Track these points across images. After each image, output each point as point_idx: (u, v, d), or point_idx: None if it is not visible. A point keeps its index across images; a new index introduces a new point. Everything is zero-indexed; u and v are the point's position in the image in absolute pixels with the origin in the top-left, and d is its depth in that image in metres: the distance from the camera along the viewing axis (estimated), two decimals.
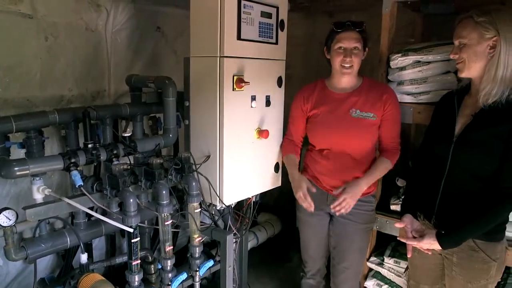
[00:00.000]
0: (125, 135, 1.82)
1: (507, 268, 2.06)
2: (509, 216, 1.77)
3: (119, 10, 2.27)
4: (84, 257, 1.68)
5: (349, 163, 1.99)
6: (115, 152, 1.76)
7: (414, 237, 1.71)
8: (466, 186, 1.61)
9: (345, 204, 1.91)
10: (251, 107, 1.98)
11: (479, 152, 1.55)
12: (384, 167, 2.00)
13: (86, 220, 1.77)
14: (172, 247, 1.78)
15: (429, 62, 2.06)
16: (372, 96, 1.95)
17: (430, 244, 1.62)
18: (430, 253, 1.69)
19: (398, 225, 1.76)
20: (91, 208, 1.65)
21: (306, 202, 1.96)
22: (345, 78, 1.98)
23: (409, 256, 1.79)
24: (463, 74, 1.62)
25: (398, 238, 1.79)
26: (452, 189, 1.65)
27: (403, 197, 2.14)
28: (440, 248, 1.61)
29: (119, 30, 2.30)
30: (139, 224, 1.61)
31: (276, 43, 2.05)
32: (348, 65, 1.91)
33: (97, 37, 2.21)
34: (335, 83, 2.03)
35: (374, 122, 1.95)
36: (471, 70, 1.58)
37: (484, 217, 1.55)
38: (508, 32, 1.47)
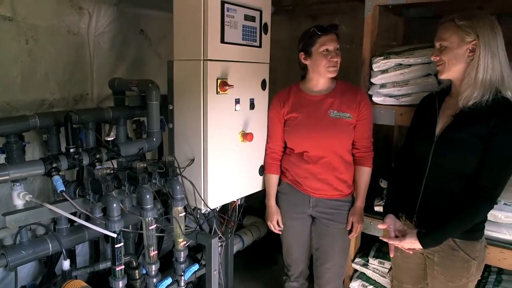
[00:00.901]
0: (108, 139, 1.80)
1: (487, 266, 2.10)
2: (488, 215, 1.82)
3: (102, 13, 2.25)
4: (66, 264, 1.65)
5: (329, 164, 2.03)
6: (98, 156, 1.74)
7: (396, 237, 1.73)
8: (447, 185, 1.64)
9: (359, 228, 2.12)
10: (235, 110, 1.97)
11: (459, 151, 1.58)
12: (367, 176, 2.09)
13: (69, 226, 1.75)
14: (156, 251, 1.77)
15: (410, 65, 2.09)
16: (347, 98, 2.02)
17: (412, 243, 1.65)
18: (411, 252, 1.71)
19: (381, 226, 1.79)
20: (74, 214, 1.63)
21: (276, 229, 2.21)
22: (326, 79, 2.04)
23: (391, 256, 1.81)
24: (443, 76, 1.65)
25: (380, 238, 1.81)
26: (433, 189, 1.68)
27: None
28: (421, 247, 1.64)
29: (101, 33, 2.28)
30: (123, 229, 1.59)
31: (260, 46, 2.05)
32: (334, 66, 1.98)
33: (80, 40, 2.19)
34: (311, 86, 2.07)
35: (350, 121, 2.01)
36: (451, 72, 1.61)
37: (463, 216, 1.58)
38: (487, 36, 1.50)
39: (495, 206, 1.86)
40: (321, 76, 2.02)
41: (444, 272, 1.69)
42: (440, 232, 1.62)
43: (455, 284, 1.68)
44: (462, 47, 1.54)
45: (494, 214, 1.90)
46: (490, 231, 1.93)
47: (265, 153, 2.21)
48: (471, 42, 1.52)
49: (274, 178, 2.20)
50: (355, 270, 2.51)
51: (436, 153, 1.65)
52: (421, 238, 1.63)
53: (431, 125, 1.69)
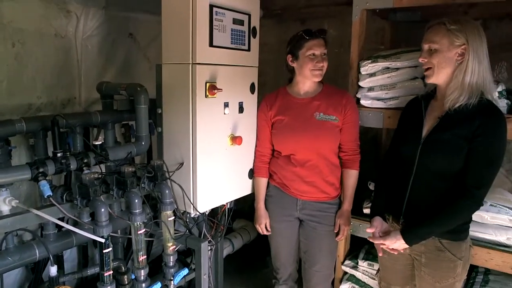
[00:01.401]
0: (96, 143, 1.78)
1: (474, 267, 2.13)
2: (474, 216, 1.85)
3: (90, 16, 2.24)
4: (53, 270, 1.63)
5: (316, 166, 2.05)
6: (85, 161, 1.73)
7: (382, 237, 1.75)
8: (433, 186, 1.67)
9: (346, 231, 2.15)
10: (224, 113, 1.97)
11: (445, 152, 1.61)
12: (354, 179, 2.12)
13: (56, 231, 1.73)
14: (145, 256, 1.76)
15: (397, 69, 2.11)
16: (333, 101, 2.04)
17: (396, 240, 1.66)
18: (396, 253, 1.73)
19: (369, 230, 1.81)
20: (61, 219, 1.61)
21: (264, 232, 2.24)
22: (312, 83, 2.06)
23: (380, 255, 1.83)
24: (431, 80, 1.68)
25: (367, 238, 1.83)
26: (419, 190, 1.71)
27: None
28: (406, 244, 1.66)
29: (90, 36, 2.27)
30: (111, 234, 1.58)
31: (249, 50, 2.06)
32: (320, 70, 1.99)
33: (67, 43, 2.18)
34: (298, 89, 2.10)
35: (337, 124, 2.03)
36: (439, 76, 1.64)
37: (448, 214, 1.61)
38: (475, 42, 1.55)
39: (481, 207, 1.91)
40: (307, 79, 2.04)
41: (432, 272, 1.71)
42: (424, 228, 1.64)
43: (442, 285, 1.70)
44: (452, 51, 1.57)
45: (480, 215, 1.93)
46: (476, 232, 1.96)
47: (255, 156, 2.22)
48: (461, 46, 1.56)
49: (263, 182, 2.21)
50: (345, 273, 2.51)
51: (422, 155, 1.68)
52: (404, 234, 1.65)
53: (418, 127, 1.72)
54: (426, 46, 1.65)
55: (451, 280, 1.69)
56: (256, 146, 2.21)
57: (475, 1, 1.88)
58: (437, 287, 1.71)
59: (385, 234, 1.76)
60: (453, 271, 1.68)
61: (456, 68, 1.58)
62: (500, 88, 1.89)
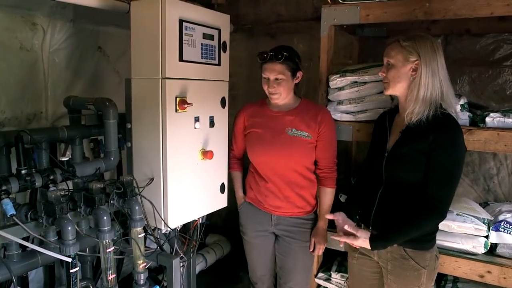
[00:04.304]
0: (63, 159, 1.74)
1: (444, 275, 2.19)
2: (441, 226, 1.90)
3: (57, 29, 2.21)
4: None
5: (289, 181, 2.07)
6: (51, 177, 1.68)
7: (349, 235, 1.78)
8: (399, 196, 1.73)
9: (321, 249, 2.15)
10: (195, 128, 1.97)
11: (406, 166, 1.69)
12: (330, 196, 2.13)
13: (20, 251, 1.67)
14: (115, 275, 1.72)
15: (365, 82, 2.17)
16: (307, 117, 2.05)
17: (363, 239, 1.71)
18: (357, 247, 1.79)
19: (329, 216, 1.87)
20: (26, 238, 1.56)
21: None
22: (275, 102, 2.07)
23: (341, 245, 1.88)
24: (388, 92, 1.77)
25: (331, 237, 1.88)
26: (387, 200, 1.76)
27: None
28: (370, 248, 1.71)
29: (57, 49, 2.24)
30: (79, 252, 1.54)
31: (219, 64, 2.07)
32: (273, 93, 2.00)
33: (33, 56, 2.13)
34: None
35: (309, 140, 2.03)
36: (395, 89, 1.73)
37: (411, 226, 1.66)
38: (428, 56, 1.63)
39: (448, 217, 1.97)
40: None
41: (397, 280, 1.76)
42: (388, 239, 1.70)
43: None
44: (406, 66, 1.66)
45: (447, 225, 1.99)
46: (444, 241, 2.02)
47: (228, 156, 2.24)
48: (414, 61, 1.64)
49: (237, 174, 2.29)
50: (318, 285, 2.53)
51: (387, 168, 1.75)
52: (372, 240, 1.70)
53: (383, 141, 1.79)
54: (385, 60, 1.75)
55: None
56: (231, 149, 2.25)
57: (435, 18, 1.96)
58: None
59: (353, 229, 1.79)
60: (417, 279, 1.72)
61: (411, 83, 1.67)
62: (462, 101, 1.98)
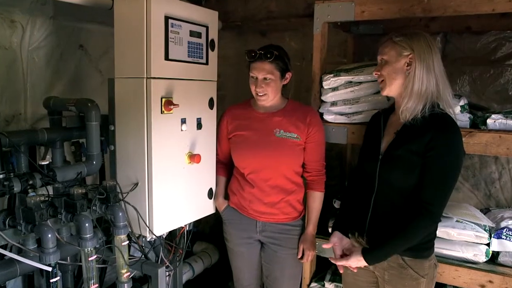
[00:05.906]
0: (43, 163, 1.77)
1: (443, 285, 2.21)
2: (440, 233, 1.94)
3: (37, 27, 2.24)
4: None
5: (276, 186, 2.09)
6: (31, 182, 1.71)
7: (345, 255, 1.82)
8: (393, 202, 1.76)
9: (311, 256, 2.16)
10: (181, 130, 2.00)
11: (400, 168, 1.72)
12: (319, 201, 2.16)
13: None
14: (97, 285, 1.74)
15: (360, 83, 2.19)
16: (295, 118, 2.08)
17: (358, 261, 1.75)
18: (356, 270, 1.81)
19: (325, 246, 1.90)
20: (4, 246, 1.58)
21: None
22: (261, 104, 2.09)
23: (341, 271, 1.91)
24: (385, 92, 1.81)
25: (329, 259, 1.90)
26: (381, 206, 1.80)
27: None
28: (367, 264, 1.74)
29: (36, 48, 2.26)
30: (59, 261, 1.57)
31: (207, 63, 2.10)
32: (261, 94, 2.03)
33: (11, 55, 2.16)
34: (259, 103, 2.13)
35: (298, 142, 2.07)
36: (392, 88, 1.77)
37: (405, 233, 1.69)
38: (422, 50, 1.68)
39: (447, 223, 2.01)
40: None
41: None
42: (383, 249, 1.73)
43: None
44: (400, 61, 1.71)
45: (446, 232, 2.01)
46: (443, 249, 2.04)
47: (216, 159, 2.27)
48: (408, 55, 1.69)
49: (221, 179, 2.29)
50: None
51: (381, 171, 1.78)
52: (365, 255, 1.73)
53: (377, 143, 1.82)
54: (379, 59, 1.80)
55: None
56: (217, 151, 2.25)
57: (434, 15, 1.99)
58: None
59: (348, 250, 1.84)
60: None
61: (406, 78, 1.71)
62: (462, 102, 1.98)
